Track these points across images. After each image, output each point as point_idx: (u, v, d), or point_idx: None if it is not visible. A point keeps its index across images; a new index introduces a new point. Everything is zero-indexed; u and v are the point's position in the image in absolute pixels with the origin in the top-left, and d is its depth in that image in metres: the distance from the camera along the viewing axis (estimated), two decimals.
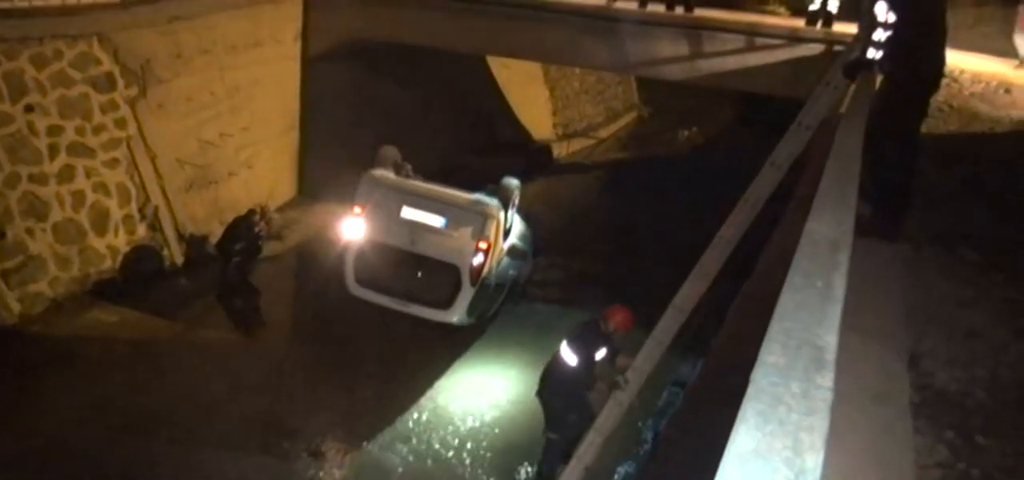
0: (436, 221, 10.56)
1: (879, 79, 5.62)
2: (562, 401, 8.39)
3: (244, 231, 11.84)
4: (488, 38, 15.26)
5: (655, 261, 12.92)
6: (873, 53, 5.36)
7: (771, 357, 1.51)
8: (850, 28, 11.71)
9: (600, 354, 8.20)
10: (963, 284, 5.08)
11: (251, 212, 12.11)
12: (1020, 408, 3.86)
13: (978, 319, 4.63)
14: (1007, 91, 10.49)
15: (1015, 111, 9.69)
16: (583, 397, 8.39)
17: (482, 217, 10.47)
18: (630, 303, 8.53)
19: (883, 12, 5.16)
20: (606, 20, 14.29)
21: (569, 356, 8.22)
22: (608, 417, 8.10)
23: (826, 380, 1.45)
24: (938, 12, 5.45)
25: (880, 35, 5.21)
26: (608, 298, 11.81)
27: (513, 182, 11.20)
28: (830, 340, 1.59)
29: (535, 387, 8.65)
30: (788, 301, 1.76)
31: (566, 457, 8.32)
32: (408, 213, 10.61)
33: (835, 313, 1.74)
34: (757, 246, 8.75)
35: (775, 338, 1.58)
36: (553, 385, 8.41)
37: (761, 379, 1.44)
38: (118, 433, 8.70)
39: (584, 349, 8.18)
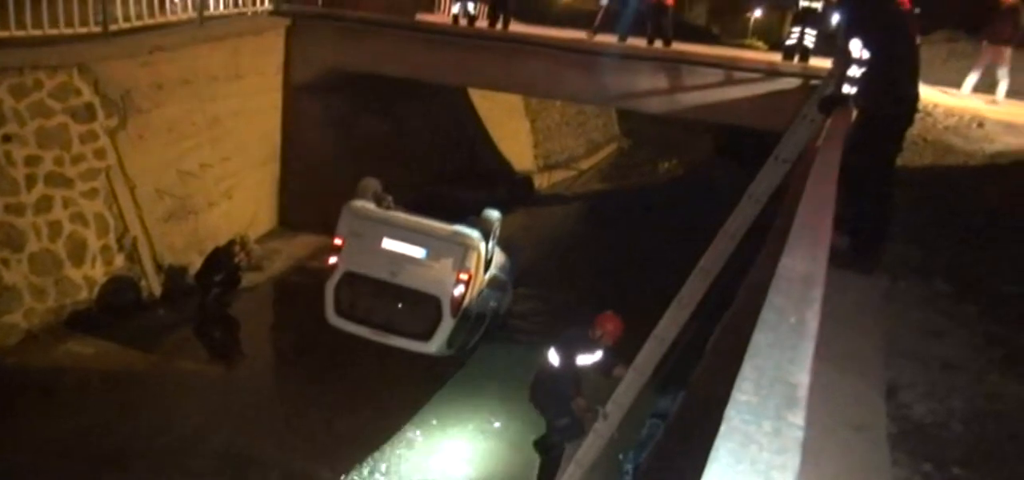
0: (417, 252, 10.55)
1: (854, 114, 5.69)
2: (548, 403, 8.46)
3: (223, 262, 11.78)
4: (469, 70, 15.37)
5: (636, 292, 12.95)
6: (848, 88, 5.44)
7: (743, 396, 1.52)
8: (826, 63, 11.88)
9: (583, 359, 8.23)
10: (939, 315, 5.13)
11: (231, 243, 12.06)
12: (997, 439, 3.89)
13: (954, 350, 4.67)
14: (980, 125, 10.64)
15: (987, 145, 9.83)
16: (567, 400, 8.37)
17: (463, 248, 10.48)
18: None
19: (857, 49, 5.23)
20: (586, 54, 14.43)
21: (553, 358, 8.30)
22: (589, 450, 8.07)
23: (797, 418, 1.46)
24: (911, 48, 5.54)
25: (855, 71, 5.28)
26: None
27: (494, 214, 11.23)
28: (802, 378, 1.60)
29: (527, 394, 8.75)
30: (761, 338, 1.78)
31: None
32: (389, 244, 10.60)
33: (807, 350, 1.76)
34: (736, 277, 8.79)
35: (747, 376, 1.59)
36: (539, 387, 8.52)
37: (734, 417, 1.45)
38: (93, 467, 8.56)
39: (566, 352, 8.24)
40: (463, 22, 15.83)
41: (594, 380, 8.49)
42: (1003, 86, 12.94)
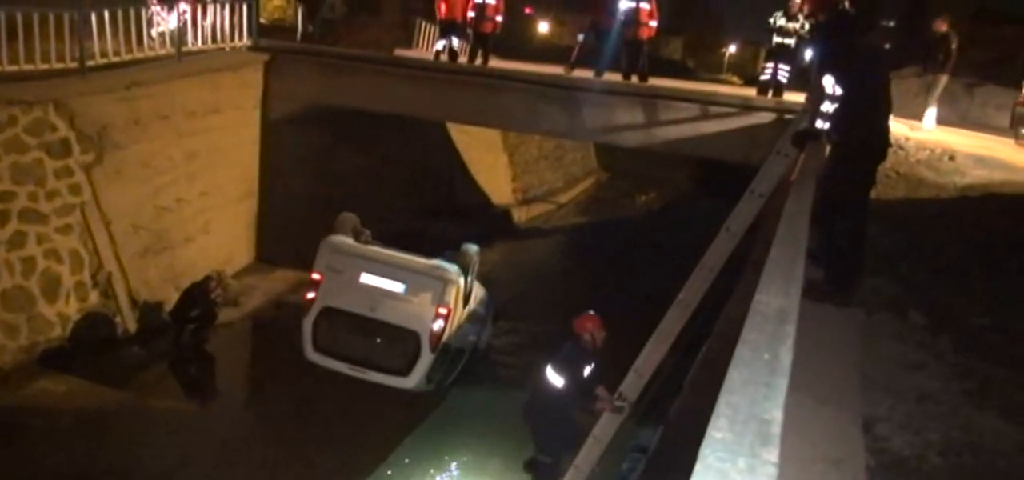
0: (395, 287, 10.51)
1: (828, 148, 5.77)
2: (548, 422, 8.34)
3: (199, 297, 11.68)
4: (448, 105, 15.43)
5: (616, 325, 12.96)
6: (821, 124, 5.52)
7: (718, 433, 1.53)
8: (800, 98, 12.05)
9: (588, 370, 8.20)
10: (914, 348, 5.17)
11: (207, 278, 11.96)
12: (974, 471, 3.91)
13: (929, 383, 4.71)
14: (951, 158, 10.83)
15: (958, 178, 9.99)
16: (569, 419, 8.32)
17: (442, 283, 10.45)
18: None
19: (830, 85, 5.31)
20: (564, 88, 14.55)
21: (554, 378, 8.19)
22: (588, 455, 8.01)
23: (772, 455, 1.47)
24: (883, 84, 5.64)
25: (828, 106, 5.36)
26: None
27: (472, 248, 11.23)
28: (776, 414, 1.61)
29: (522, 411, 8.64)
30: (735, 375, 1.79)
31: None
32: (367, 279, 10.56)
33: (781, 386, 1.77)
34: (714, 310, 8.84)
35: (722, 413, 1.60)
36: (539, 408, 8.38)
37: (709, 455, 1.46)
38: None
39: (569, 369, 8.15)
40: (444, 58, 15.90)
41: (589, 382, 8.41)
42: (931, 112, 13.11)
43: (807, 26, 12.38)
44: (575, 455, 8.20)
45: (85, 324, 11.58)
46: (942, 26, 12.91)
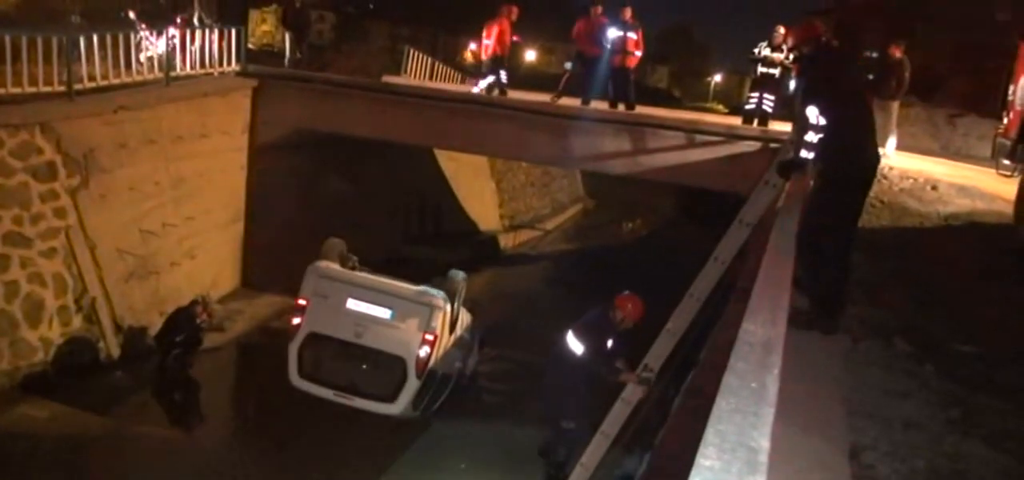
0: (382, 313, 10.49)
1: (814, 178, 5.83)
2: (564, 388, 8.26)
3: (184, 322, 11.59)
4: (436, 132, 15.47)
5: None
6: (806, 153, 5.58)
7: (706, 461, 1.55)
8: (786, 127, 12.16)
9: (611, 344, 8.13)
10: (899, 376, 5.21)
11: (192, 303, 11.89)
12: None
13: (914, 410, 4.74)
14: (933, 187, 10.94)
15: (941, 206, 10.10)
16: (583, 388, 8.21)
17: (428, 309, 10.43)
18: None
19: (814, 115, 5.38)
20: (551, 116, 14.63)
21: (574, 345, 8.12)
22: (595, 451, 7.94)
23: None
24: (866, 113, 5.71)
25: (812, 137, 5.42)
26: None
27: (459, 274, 11.23)
28: (763, 442, 1.63)
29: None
30: (723, 404, 1.81)
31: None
32: (354, 305, 10.53)
33: (768, 415, 1.79)
34: (701, 338, 8.86)
35: (710, 441, 1.62)
36: (557, 374, 8.33)
37: None
38: None
39: (591, 339, 8.11)
40: (495, 93, 15.43)
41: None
42: (891, 141, 13.18)
43: (791, 57, 12.52)
44: (584, 449, 8.07)
45: (68, 349, 11.48)
46: (897, 52, 12.93)
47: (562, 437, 8.54)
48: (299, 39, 18.75)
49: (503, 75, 15.56)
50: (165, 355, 11.48)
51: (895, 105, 13.23)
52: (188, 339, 11.63)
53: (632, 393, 8.03)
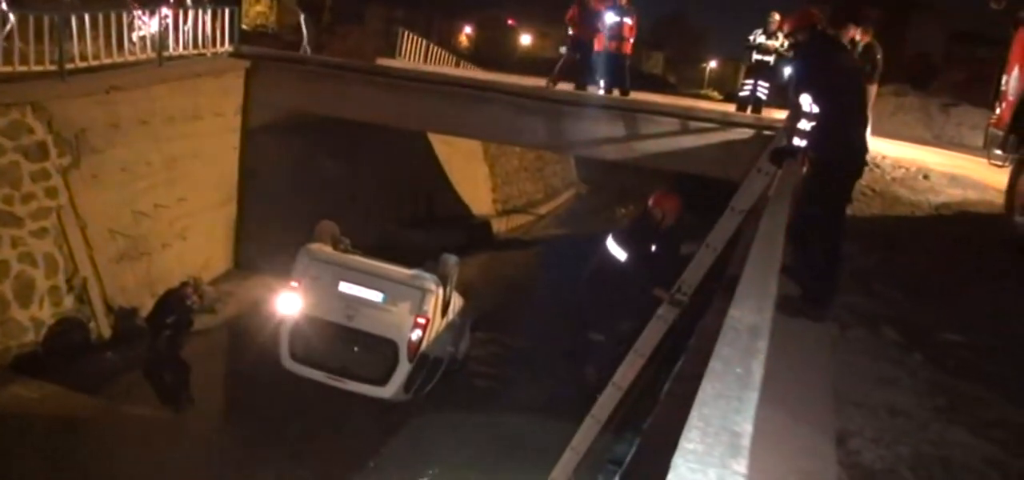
0: (374, 296, 10.49)
1: (805, 165, 5.84)
2: (610, 300, 7.88)
3: (175, 304, 11.59)
4: (430, 115, 15.45)
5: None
6: (798, 141, 5.59)
7: (689, 444, 1.56)
8: (780, 114, 12.17)
9: (654, 248, 7.81)
10: (887, 364, 5.24)
11: (183, 284, 11.89)
12: None
13: (901, 398, 4.77)
14: (925, 177, 10.98)
15: (933, 196, 10.13)
16: (618, 298, 7.84)
17: (421, 292, 10.44)
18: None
19: (807, 103, 5.39)
20: (546, 101, 14.61)
21: (617, 251, 7.78)
22: (586, 434, 7.88)
23: (741, 466, 1.50)
24: (860, 102, 5.72)
25: (805, 124, 5.43)
26: (545, 375, 11.85)
27: (452, 258, 11.23)
28: (747, 427, 1.65)
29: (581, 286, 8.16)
30: (708, 388, 1.82)
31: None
32: (346, 288, 10.53)
33: (752, 399, 1.80)
34: (692, 324, 8.88)
35: (694, 425, 1.63)
36: (594, 284, 7.99)
37: (680, 465, 1.49)
38: None
39: (634, 244, 7.80)
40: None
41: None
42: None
43: (786, 44, 12.52)
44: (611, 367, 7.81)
45: (59, 329, 11.44)
46: (865, 37, 12.87)
47: (589, 351, 8.27)
48: (316, 20, 18.75)
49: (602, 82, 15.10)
50: (156, 336, 11.48)
51: (872, 89, 13.19)
52: (179, 321, 11.63)
53: (668, 312, 7.84)
